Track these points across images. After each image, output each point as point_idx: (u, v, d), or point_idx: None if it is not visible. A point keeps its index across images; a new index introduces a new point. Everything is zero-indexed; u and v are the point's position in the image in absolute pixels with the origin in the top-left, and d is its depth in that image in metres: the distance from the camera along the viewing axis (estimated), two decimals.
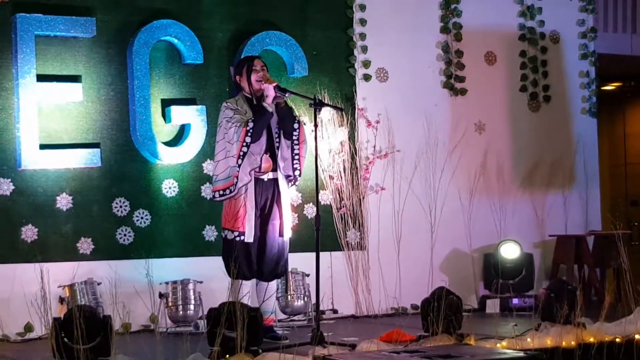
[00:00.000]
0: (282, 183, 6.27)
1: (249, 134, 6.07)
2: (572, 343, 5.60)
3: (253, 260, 6.18)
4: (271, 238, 6.23)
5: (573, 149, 8.89)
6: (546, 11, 8.78)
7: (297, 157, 6.27)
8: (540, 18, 8.76)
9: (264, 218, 6.23)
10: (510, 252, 8.16)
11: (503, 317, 7.01)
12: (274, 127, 6.25)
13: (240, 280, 6.09)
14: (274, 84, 6.17)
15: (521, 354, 5.10)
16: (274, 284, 6.37)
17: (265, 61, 6.41)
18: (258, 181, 6.20)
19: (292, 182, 6.36)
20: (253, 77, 6.26)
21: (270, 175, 6.24)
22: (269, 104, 6.14)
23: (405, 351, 5.11)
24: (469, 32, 8.42)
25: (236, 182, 6.09)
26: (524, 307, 7.57)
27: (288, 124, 6.23)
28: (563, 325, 5.77)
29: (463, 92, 8.40)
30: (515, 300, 7.80)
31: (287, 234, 6.27)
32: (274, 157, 6.23)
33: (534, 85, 8.77)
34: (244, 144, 6.06)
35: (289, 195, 6.36)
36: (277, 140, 6.24)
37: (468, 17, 8.41)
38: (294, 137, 6.23)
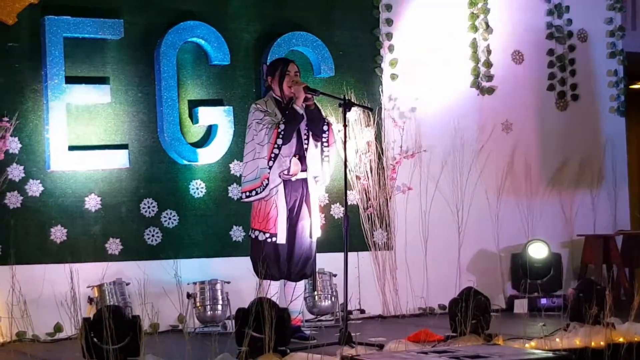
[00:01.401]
0: (312, 183, 6.28)
1: (281, 136, 6.08)
2: (602, 343, 5.57)
3: (282, 261, 6.19)
4: (300, 238, 6.24)
5: (601, 148, 8.84)
6: (574, 9, 8.73)
7: (326, 158, 6.28)
8: (568, 16, 8.72)
9: (293, 218, 6.24)
10: (538, 252, 8.13)
11: (531, 317, 6.97)
12: (303, 129, 6.25)
13: (269, 281, 6.11)
14: (303, 85, 6.17)
15: (550, 354, 5.08)
16: (301, 284, 6.38)
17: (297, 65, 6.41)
18: (287, 182, 6.21)
19: (320, 184, 6.38)
20: (285, 82, 6.26)
21: (299, 175, 6.25)
22: (299, 106, 6.14)
23: (433, 351, 5.10)
24: (497, 30, 8.39)
25: (266, 184, 6.10)
26: (552, 307, 7.54)
27: (317, 125, 6.23)
28: (592, 325, 5.75)
29: (490, 91, 8.37)
30: (543, 301, 7.77)
31: (316, 234, 6.28)
32: (302, 159, 6.24)
33: (561, 83, 8.72)
34: (275, 145, 6.08)
35: (317, 195, 6.37)
36: (306, 141, 6.25)
37: (496, 16, 8.38)
38: (324, 139, 6.25)
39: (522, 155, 8.48)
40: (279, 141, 6.08)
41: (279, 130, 6.08)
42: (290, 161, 6.16)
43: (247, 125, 6.30)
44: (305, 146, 6.25)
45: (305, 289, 6.68)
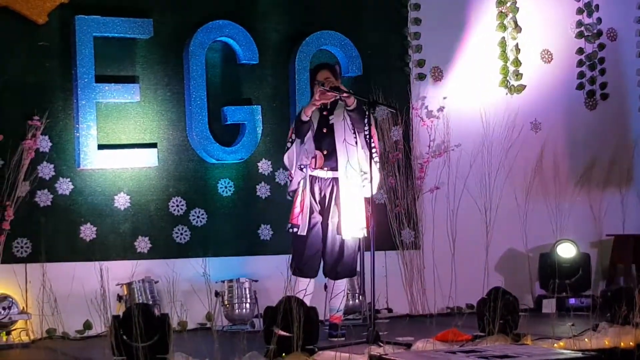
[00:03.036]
0: (344, 183, 6.26)
1: (294, 131, 6.32)
2: (631, 343, 5.54)
3: (307, 257, 6.21)
4: (330, 237, 6.26)
5: (631, 147, 8.78)
6: (603, 8, 8.68)
7: (375, 156, 6.26)
8: (598, 15, 8.67)
9: (324, 216, 6.28)
10: (566, 251, 8.09)
11: (560, 317, 6.94)
12: (342, 127, 6.27)
13: (296, 278, 6.14)
14: (326, 87, 6.20)
15: (579, 354, 5.06)
16: (340, 283, 6.37)
17: (332, 68, 6.44)
18: (315, 178, 6.27)
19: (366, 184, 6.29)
20: (315, 90, 6.35)
21: (330, 174, 6.29)
22: (312, 107, 6.25)
23: (461, 351, 5.09)
24: (526, 29, 8.35)
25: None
26: (581, 307, 7.50)
27: (359, 124, 6.27)
28: (621, 325, 5.72)
29: (519, 90, 8.34)
30: (572, 300, 7.73)
31: (347, 233, 6.26)
32: (331, 155, 6.26)
33: (591, 83, 8.68)
34: (290, 139, 6.30)
35: (351, 194, 6.26)
36: (347, 139, 6.27)
37: (524, 15, 8.35)
38: (365, 132, 6.24)
39: (551, 155, 8.44)
40: (293, 136, 6.30)
41: (292, 126, 6.36)
42: (315, 157, 6.25)
43: None
44: (340, 145, 6.26)
45: (345, 288, 6.65)
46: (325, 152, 6.30)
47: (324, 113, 6.39)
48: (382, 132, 7.69)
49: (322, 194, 6.29)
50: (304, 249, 6.24)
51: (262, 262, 7.19)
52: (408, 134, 7.84)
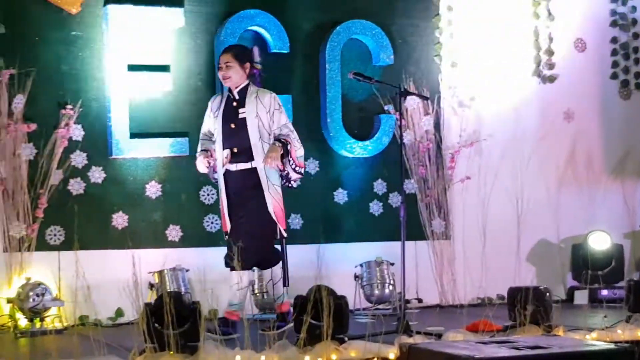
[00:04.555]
0: (262, 174, 5.96)
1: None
2: None
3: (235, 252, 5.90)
4: (242, 229, 5.98)
5: None
6: None
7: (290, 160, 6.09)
8: (632, 3, 8.59)
9: (240, 208, 6.00)
10: (599, 242, 8.03)
11: (592, 309, 6.89)
12: (257, 125, 5.96)
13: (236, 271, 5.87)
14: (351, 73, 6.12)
15: (612, 345, 5.01)
16: (266, 272, 6.27)
17: (235, 51, 6.19)
18: (227, 173, 6.02)
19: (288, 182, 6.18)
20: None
21: (242, 166, 5.97)
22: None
23: (492, 341, 5.06)
24: (559, 18, 8.29)
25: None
26: (613, 299, 7.44)
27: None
28: None
29: (552, 79, 8.28)
30: (604, 292, 7.67)
31: (261, 226, 6.01)
32: (247, 154, 5.94)
33: (625, 72, 8.59)
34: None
35: (268, 185, 6.01)
36: (263, 138, 5.96)
37: (558, 3, 8.29)
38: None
39: (584, 145, 8.37)
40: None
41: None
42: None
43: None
44: (255, 141, 5.94)
45: (255, 281, 6.56)
46: (235, 150, 5.95)
47: (234, 104, 6.02)
48: (413, 121, 7.67)
49: (236, 187, 5.98)
50: (232, 246, 5.83)
51: (292, 251, 7.12)
52: (439, 123, 7.81)
